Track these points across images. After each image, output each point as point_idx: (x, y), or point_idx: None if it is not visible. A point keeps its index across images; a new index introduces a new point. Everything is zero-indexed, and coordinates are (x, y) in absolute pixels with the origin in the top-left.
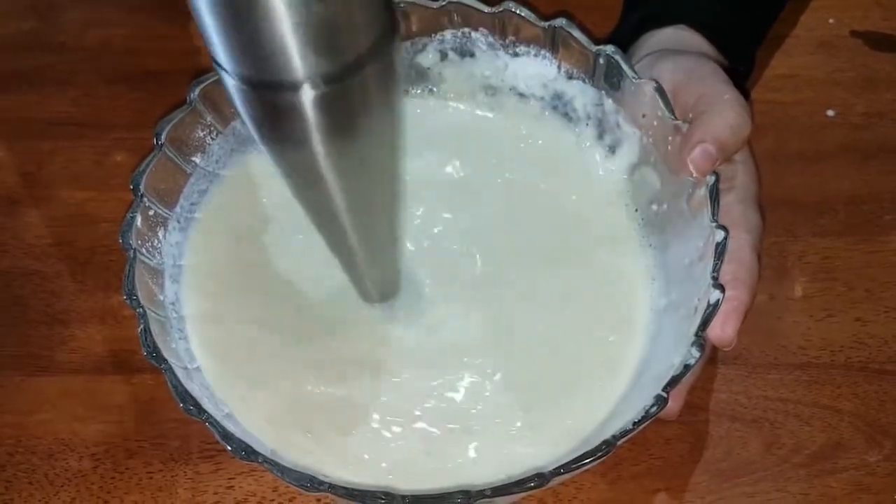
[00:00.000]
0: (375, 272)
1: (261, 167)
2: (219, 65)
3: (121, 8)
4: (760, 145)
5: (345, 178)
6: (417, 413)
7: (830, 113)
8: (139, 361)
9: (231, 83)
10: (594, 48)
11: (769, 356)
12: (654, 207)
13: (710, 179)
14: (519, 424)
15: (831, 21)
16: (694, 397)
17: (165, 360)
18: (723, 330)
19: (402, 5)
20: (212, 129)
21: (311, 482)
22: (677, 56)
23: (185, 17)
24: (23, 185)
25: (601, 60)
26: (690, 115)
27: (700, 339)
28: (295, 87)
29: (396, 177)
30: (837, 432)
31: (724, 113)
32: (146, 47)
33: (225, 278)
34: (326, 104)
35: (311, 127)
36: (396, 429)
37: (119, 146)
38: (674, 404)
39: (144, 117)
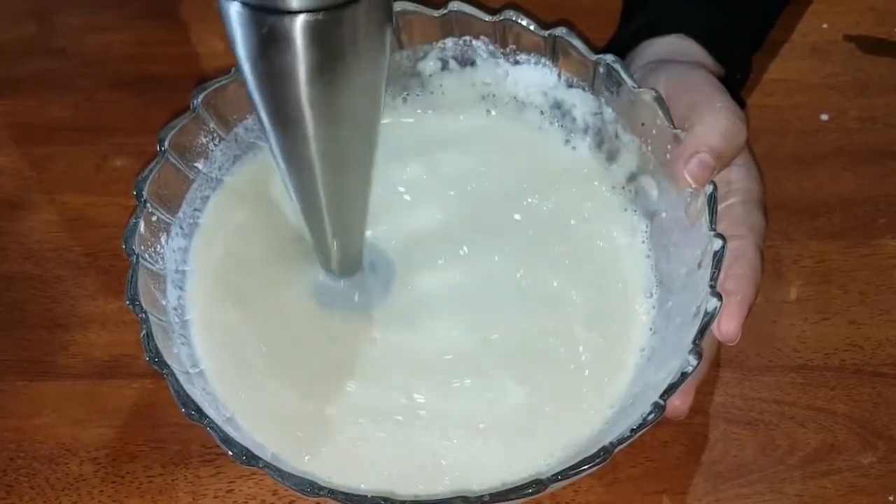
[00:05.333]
0: (341, 238)
1: (265, 174)
2: None
3: (120, 13)
4: (755, 150)
5: (324, 120)
6: (417, 418)
7: (824, 117)
8: (139, 366)
9: (232, 8)
10: (594, 57)
11: (764, 359)
12: (653, 216)
13: (709, 188)
14: (517, 432)
15: (825, 26)
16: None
17: (167, 365)
18: (727, 326)
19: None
20: (214, 135)
21: (310, 487)
22: (671, 66)
23: (184, 22)
24: (23, 189)
25: (601, 69)
26: (686, 125)
27: (697, 346)
28: (292, 12)
29: (374, 133)
30: (832, 434)
31: (717, 122)
32: (145, 53)
33: (230, 283)
34: (319, 32)
35: (301, 56)
36: (397, 433)
37: (119, 151)
38: (682, 404)
39: (144, 122)
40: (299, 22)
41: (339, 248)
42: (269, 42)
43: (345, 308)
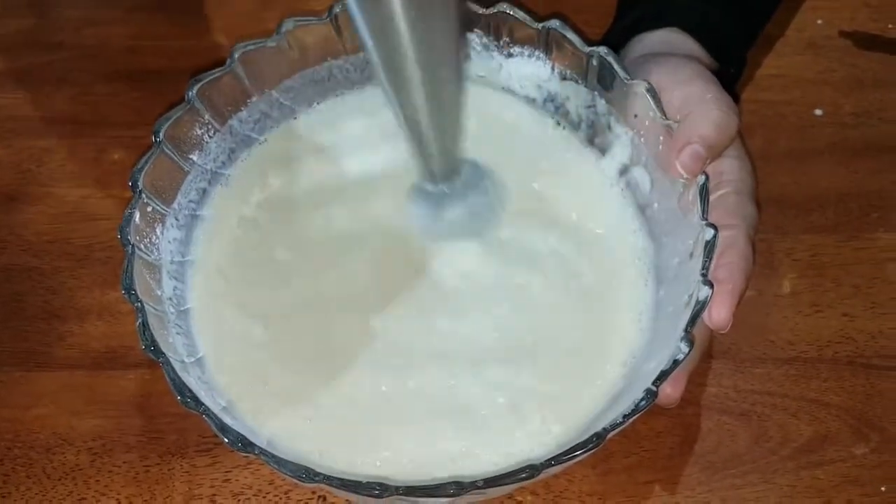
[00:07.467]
0: (439, 137)
1: (266, 167)
2: None
3: (118, 6)
4: (749, 144)
5: (416, 30)
6: (414, 405)
7: (818, 112)
8: (136, 357)
9: None
10: (587, 49)
11: (758, 351)
12: (645, 208)
13: (701, 179)
14: (512, 418)
15: (820, 21)
16: (684, 391)
17: (163, 354)
18: (718, 313)
19: None
20: (209, 127)
21: (306, 473)
22: (663, 59)
23: (181, 16)
24: (21, 182)
25: (594, 61)
26: (678, 117)
27: (689, 334)
28: None
29: (457, 29)
30: (825, 425)
31: (709, 112)
32: (144, 46)
33: (232, 272)
34: None
35: None
36: (395, 420)
37: (117, 144)
38: (674, 391)
39: (142, 115)
40: None
41: (438, 145)
42: None
43: (347, 295)
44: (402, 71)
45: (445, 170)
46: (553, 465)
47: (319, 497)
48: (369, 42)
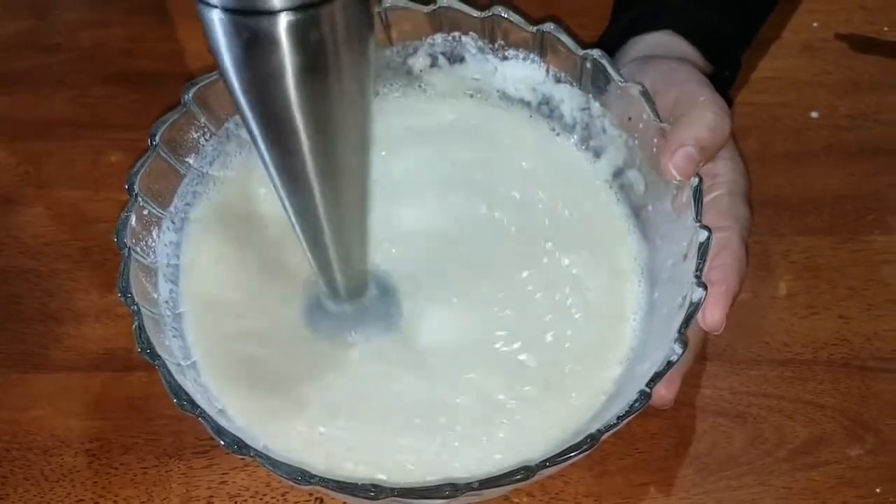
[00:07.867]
0: (344, 258)
1: (256, 167)
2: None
3: (116, 9)
4: (745, 146)
5: (314, 127)
6: (409, 408)
7: (814, 115)
8: (133, 359)
9: (214, 15)
10: (581, 52)
11: (753, 353)
12: (639, 210)
13: (694, 181)
14: (507, 421)
15: (816, 24)
16: (679, 393)
17: (159, 357)
18: (712, 315)
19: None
20: (205, 130)
21: (302, 475)
22: (657, 61)
23: (178, 18)
24: (19, 184)
25: (588, 64)
26: (671, 119)
27: (682, 335)
28: (273, 12)
29: (367, 143)
30: (820, 427)
31: (702, 115)
32: (141, 48)
33: (224, 274)
34: (301, 31)
35: (285, 58)
36: (387, 426)
37: (114, 146)
38: (668, 393)
39: (139, 118)
40: (281, 21)
41: (343, 268)
42: (253, 46)
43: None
44: (299, 178)
45: (352, 289)
46: (548, 467)
47: (316, 499)
48: (258, 138)
